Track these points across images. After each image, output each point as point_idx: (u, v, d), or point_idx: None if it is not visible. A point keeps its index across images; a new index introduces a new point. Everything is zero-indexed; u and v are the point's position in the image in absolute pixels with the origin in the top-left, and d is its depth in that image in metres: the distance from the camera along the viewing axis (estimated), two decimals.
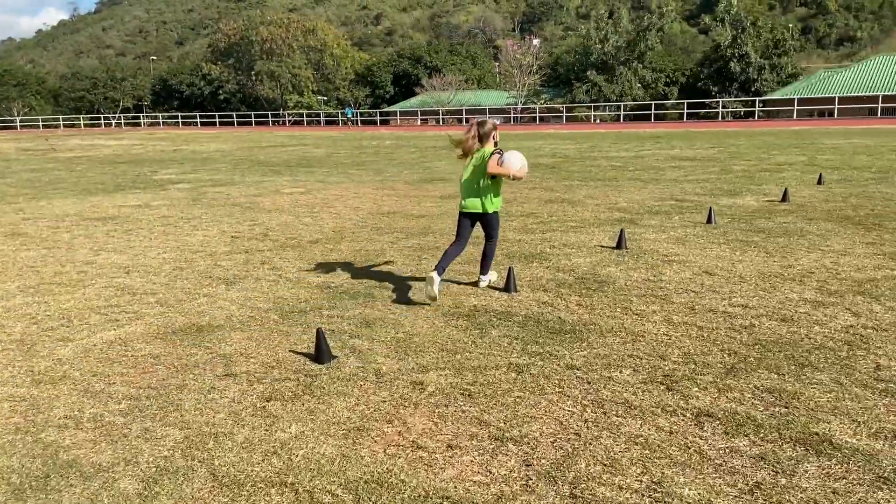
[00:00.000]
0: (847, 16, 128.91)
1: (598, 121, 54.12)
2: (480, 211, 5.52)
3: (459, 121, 59.73)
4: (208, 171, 18.29)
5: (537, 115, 56.77)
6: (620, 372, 4.03)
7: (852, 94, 46.61)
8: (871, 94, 45.47)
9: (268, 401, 3.77)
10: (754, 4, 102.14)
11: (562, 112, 55.14)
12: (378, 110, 68.38)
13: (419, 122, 61.75)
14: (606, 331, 4.77)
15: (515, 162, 5.39)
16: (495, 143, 5.56)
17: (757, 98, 51.76)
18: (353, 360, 4.33)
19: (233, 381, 4.07)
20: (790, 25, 58.79)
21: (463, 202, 5.58)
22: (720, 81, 55.49)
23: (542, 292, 5.77)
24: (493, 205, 5.55)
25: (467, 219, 5.61)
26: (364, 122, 67.60)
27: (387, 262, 7.00)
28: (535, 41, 65.17)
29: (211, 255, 7.59)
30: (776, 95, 51.09)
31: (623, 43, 56.35)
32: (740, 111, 52.95)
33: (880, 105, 43.83)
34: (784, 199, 10.41)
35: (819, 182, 12.18)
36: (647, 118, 52.41)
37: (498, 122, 5.64)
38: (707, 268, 6.46)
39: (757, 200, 10.60)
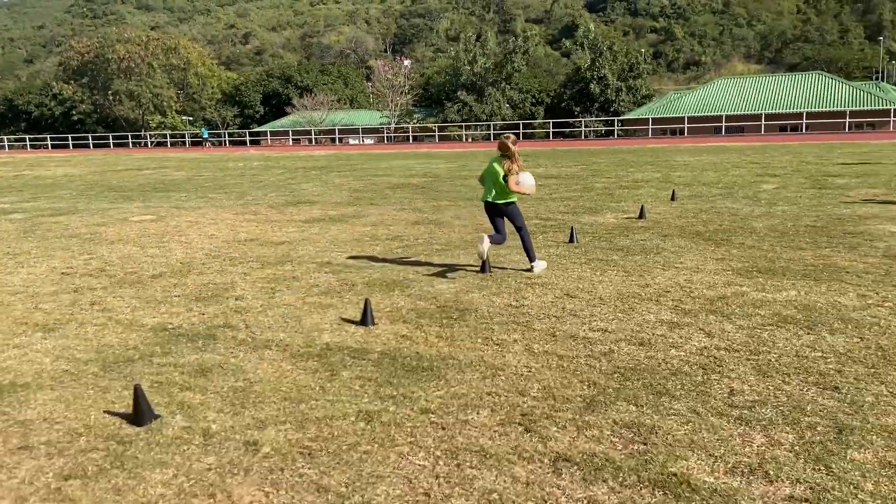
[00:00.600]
0: (693, 42, 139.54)
1: (470, 140, 55.09)
2: (491, 201, 6.89)
3: (333, 140, 58.91)
4: (50, 199, 16.70)
5: (410, 134, 57.03)
6: (477, 413, 3.75)
7: (700, 114, 50.12)
8: (716, 114, 49.10)
9: (66, 479, 3.17)
10: (610, 31, 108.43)
11: (434, 131, 55.76)
12: (248, 130, 66.19)
13: (291, 143, 60.34)
14: (466, 365, 4.50)
15: (528, 182, 6.88)
16: (512, 158, 6.76)
17: (616, 118, 54.60)
18: (179, 418, 3.79)
19: (28, 455, 3.42)
20: (642, 50, 62.50)
21: (491, 199, 6.92)
22: (582, 102, 58.02)
23: (401, 324, 5.44)
24: (504, 197, 6.86)
25: (490, 211, 7.02)
26: (233, 143, 65.19)
27: (236, 297, 6.43)
28: (406, 62, 65.57)
29: (32, 297, 6.70)
30: (633, 115, 54.07)
31: (491, 65, 57.81)
32: (601, 130, 55.62)
33: (724, 124, 47.42)
34: (641, 215, 10.72)
35: (672, 198, 12.70)
36: (516, 137, 53.99)
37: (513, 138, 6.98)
38: (569, 290, 6.39)
39: (616, 218, 10.86)
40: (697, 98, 53.89)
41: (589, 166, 21.98)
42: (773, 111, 47.62)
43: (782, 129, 45.90)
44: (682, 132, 48.55)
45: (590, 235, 9.31)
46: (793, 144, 30.74)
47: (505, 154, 6.78)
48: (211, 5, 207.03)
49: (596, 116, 56.58)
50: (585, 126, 54.53)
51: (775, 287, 6.26)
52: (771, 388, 4.01)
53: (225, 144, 63.52)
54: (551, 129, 54.34)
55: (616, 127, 53.84)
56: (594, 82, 57.22)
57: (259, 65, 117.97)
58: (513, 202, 6.93)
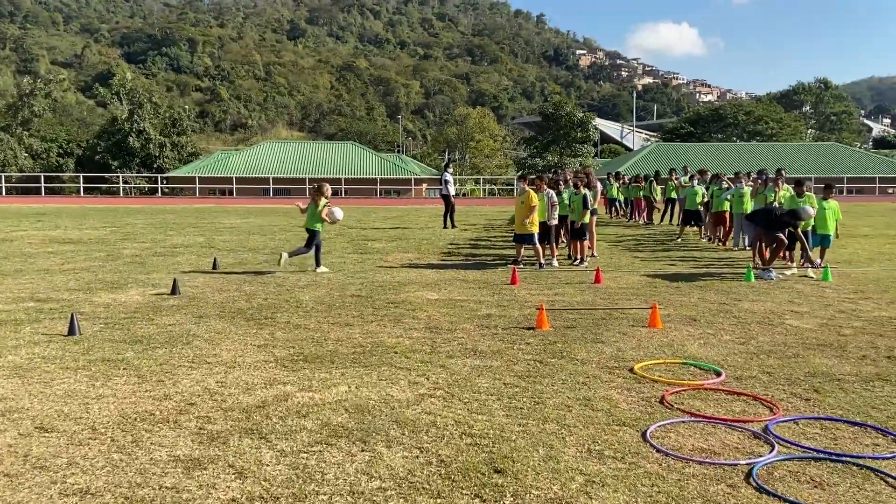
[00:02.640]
0: (239, 105, 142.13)
1: None
2: (312, 228, 11.07)
3: None
4: None
5: None
6: None
7: (248, 175, 50.21)
8: (264, 175, 49.79)
9: None
10: (152, 84, 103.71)
11: None
12: None
13: None
14: None
15: (338, 213, 11.20)
16: (325, 197, 11.18)
17: (160, 175, 51.26)
18: None
19: None
20: (186, 107, 60.53)
21: (307, 225, 11.13)
22: (121, 156, 53.08)
23: None
24: (315, 226, 11.07)
25: (308, 233, 11.13)
26: None
27: None
28: None
29: None
30: (179, 173, 51.41)
31: (3, 107, 49.00)
32: (145, 187, 51.57)
33: (272, 186, 48.31)
34: (174, 291, 9.01)
35: (214, 267, 11.27)
36: (38, 192, 46.28)
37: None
38: (45, 419, 4.37)
39: (143, 294, 8.94)
40: (245, 159, 54.07)
41: (121, 228, 19.16)
42: (316, 176, 50.43)
43: None
44: (231, 192, 47.86)
45: (102, 322, 7.25)
46: None
47: (322, 194, 11.04)
48: None
49: (138, 172, 52.35)
50: (125, 182, 49.83)
51: (324, 382, 5.25)
52: None
53: None
54: (83, 184, 48.18)
55: (160, 185, 50.54)
56: (134, 135, 52.98)
57: None
58: (319, 230, 11.11)
